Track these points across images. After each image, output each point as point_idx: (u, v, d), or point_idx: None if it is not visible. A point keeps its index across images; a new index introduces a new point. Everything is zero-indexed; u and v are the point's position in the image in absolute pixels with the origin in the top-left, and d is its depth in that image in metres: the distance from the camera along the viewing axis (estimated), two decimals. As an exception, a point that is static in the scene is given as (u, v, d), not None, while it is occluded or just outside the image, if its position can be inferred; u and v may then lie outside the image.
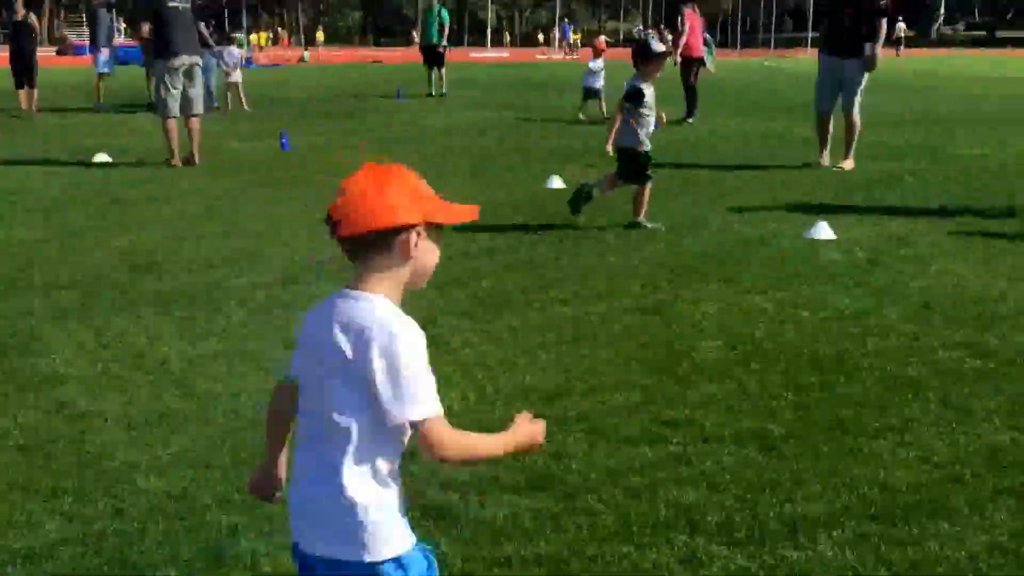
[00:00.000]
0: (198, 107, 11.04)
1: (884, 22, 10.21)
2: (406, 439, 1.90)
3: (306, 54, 47.26)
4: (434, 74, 21.48)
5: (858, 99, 10.41)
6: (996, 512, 3.18)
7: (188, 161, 10.84)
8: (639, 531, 3.06)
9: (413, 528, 1.93)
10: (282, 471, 2.16)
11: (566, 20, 66.40)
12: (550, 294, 5.68)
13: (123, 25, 48.07)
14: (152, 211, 8.23)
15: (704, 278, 6.05)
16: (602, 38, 22.05)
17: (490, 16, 74.12)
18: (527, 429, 1.98)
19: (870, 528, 3.08)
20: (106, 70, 18.67)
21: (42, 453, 3.62)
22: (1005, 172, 10.46)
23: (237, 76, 18.05)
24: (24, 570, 2.88)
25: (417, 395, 1.81)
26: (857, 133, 10.58)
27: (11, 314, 5.30)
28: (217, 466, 3.49)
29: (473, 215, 2.00)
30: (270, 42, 62.58)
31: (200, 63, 11.32)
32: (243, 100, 17.93)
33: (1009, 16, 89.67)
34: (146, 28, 16.47)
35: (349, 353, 1.84)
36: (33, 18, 17.31)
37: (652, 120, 7.34)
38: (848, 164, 10.48)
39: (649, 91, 7.29)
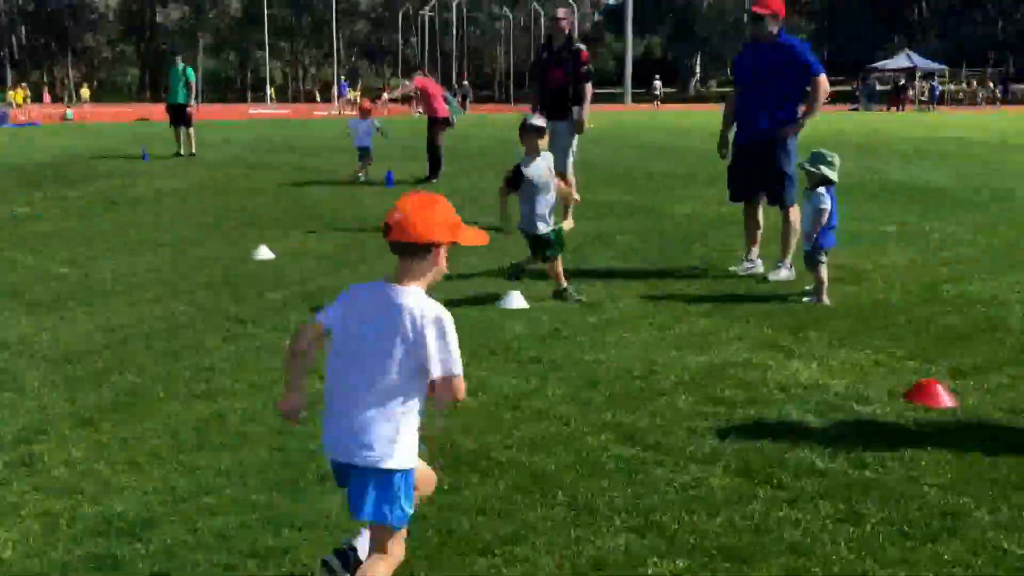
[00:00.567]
0: None
1: (589, 86, 10.29)
2: (426, 387, 2.76)
3: (69, 112, 44.53)
4: (182, 133, 20.42)
5: (570, 160, 10.34)
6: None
7: None
8: None
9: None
10: (305, 398, 2.87)
11: (343, 78, 66.27)
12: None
13: None
14: None
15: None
16: (367, 100, 21.79)
17: (268, 72, 72.83)
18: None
19: None
20: None
21: None
22: (708, 229, 10.35)
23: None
24: None
25: (457, 358, 2.71)
26: (574, 190, 10.50)
27: None
28: None
29: (483, 241, 2.85)
30: (27, 99, 58.47)
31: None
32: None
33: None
34: None
35: (407, 324, 2.68)
36: None
37: (545, 198, 7.00)
38: (568, 224, 10.37)
39: (533, 168, 6.92)
